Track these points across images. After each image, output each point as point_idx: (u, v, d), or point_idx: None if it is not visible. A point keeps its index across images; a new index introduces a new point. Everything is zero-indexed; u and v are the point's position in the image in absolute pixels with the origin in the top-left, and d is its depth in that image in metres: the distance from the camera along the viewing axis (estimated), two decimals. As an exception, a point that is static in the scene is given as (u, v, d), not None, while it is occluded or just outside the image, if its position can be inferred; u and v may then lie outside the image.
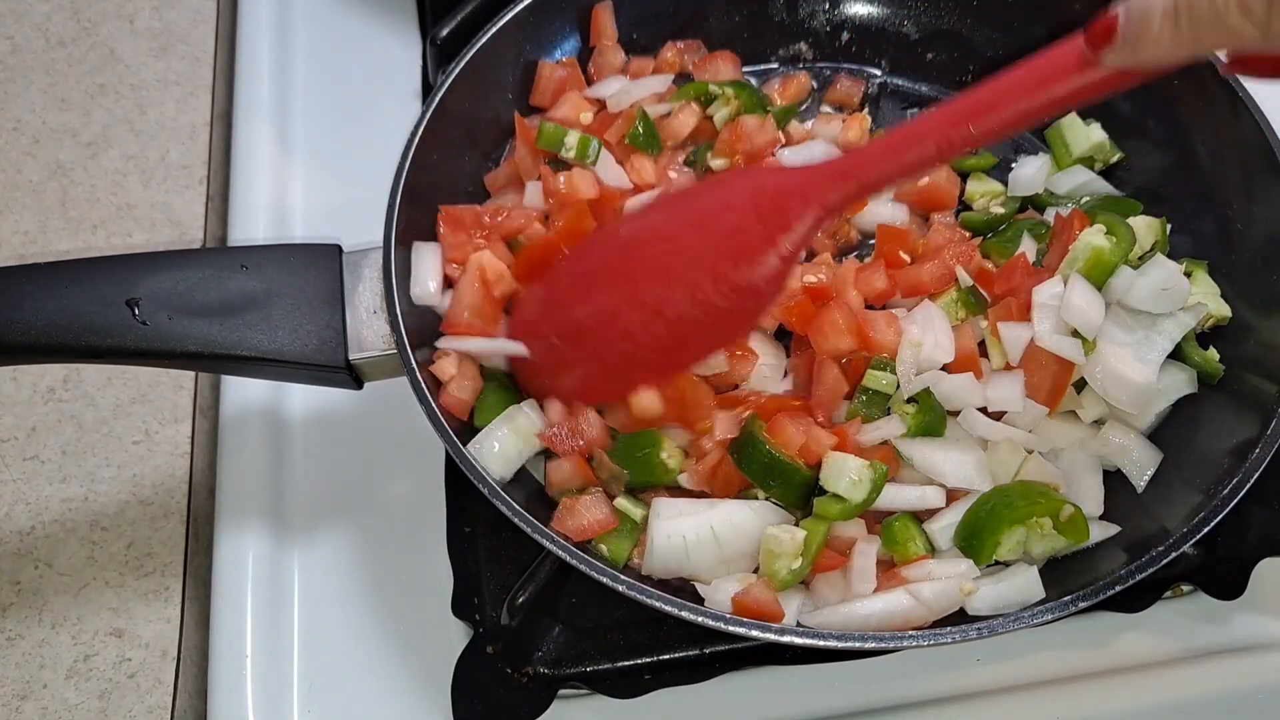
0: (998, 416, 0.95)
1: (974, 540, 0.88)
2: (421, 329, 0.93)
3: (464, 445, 0.87)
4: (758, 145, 1.09)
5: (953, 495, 0.92)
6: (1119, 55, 0.68)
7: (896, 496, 0.90)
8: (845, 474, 0.88)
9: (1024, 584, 0.86)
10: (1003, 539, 0.87)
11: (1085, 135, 1.12)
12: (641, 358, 0.88)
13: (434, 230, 1.00)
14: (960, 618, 0.85)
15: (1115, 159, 1.13)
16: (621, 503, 0.90)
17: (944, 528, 0.90)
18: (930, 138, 0.78)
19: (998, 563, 0.89)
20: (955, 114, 0.77)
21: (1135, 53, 0.67)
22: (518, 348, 0.93)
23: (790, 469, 0.88)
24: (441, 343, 0.94)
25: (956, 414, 0.95)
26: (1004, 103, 0.75)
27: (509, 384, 0.96)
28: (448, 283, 0.98)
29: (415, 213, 0.97)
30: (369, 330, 0.90)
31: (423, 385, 0.87)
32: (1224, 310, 0.99)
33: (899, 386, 0.94)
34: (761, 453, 0.88)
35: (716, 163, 1.10)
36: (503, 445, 0.90)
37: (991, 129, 0.76)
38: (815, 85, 1.22)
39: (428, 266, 0.97)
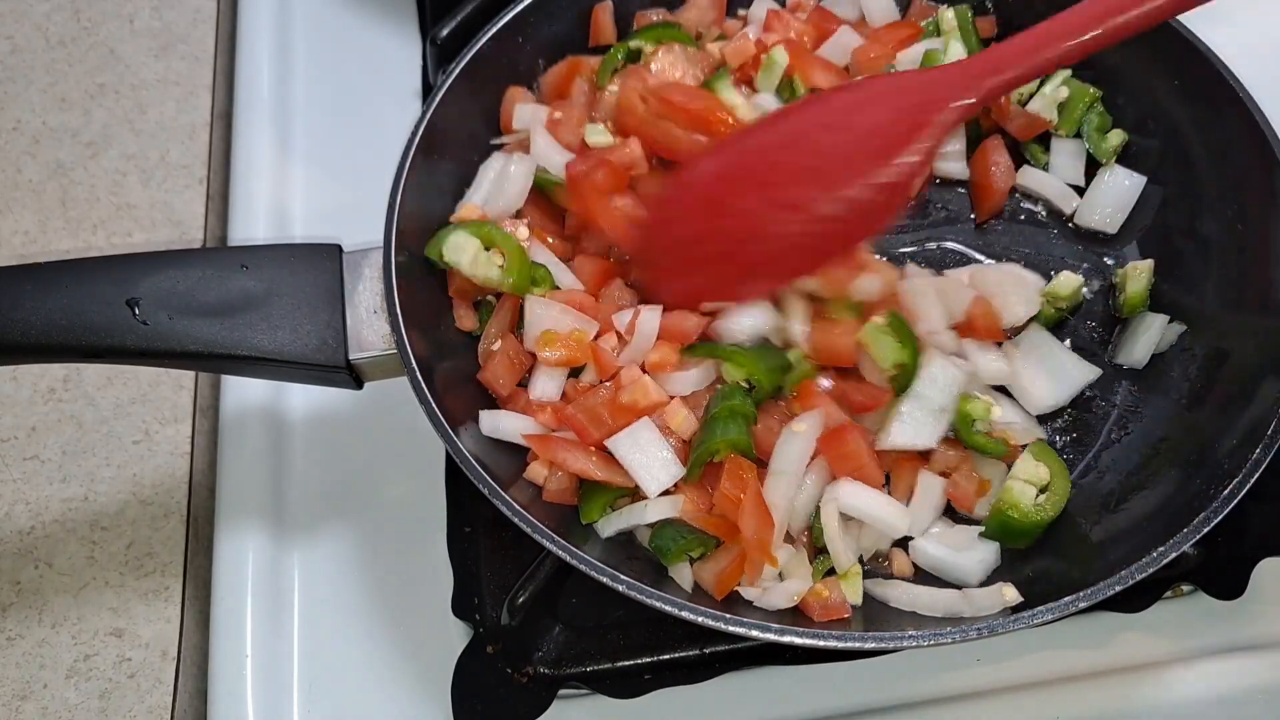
0: None
1: None
2: (423, 330, 0.93)
3: (463, 447, 0.87)
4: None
5: None
6: None
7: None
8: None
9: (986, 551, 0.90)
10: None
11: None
12: (772, 260, 0.91)
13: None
14: (960, 618, 0.85)
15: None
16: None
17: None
18: (1078, 31, 0.81)
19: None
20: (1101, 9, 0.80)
21: None
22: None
23: None
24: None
25: None
26: None
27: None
28: None
29: (415, 213, 0.97)
30: (369, 330, 0.90)
31: (423, 385, 0.87)
32: None
33: None
34: None
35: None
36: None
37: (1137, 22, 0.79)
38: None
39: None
